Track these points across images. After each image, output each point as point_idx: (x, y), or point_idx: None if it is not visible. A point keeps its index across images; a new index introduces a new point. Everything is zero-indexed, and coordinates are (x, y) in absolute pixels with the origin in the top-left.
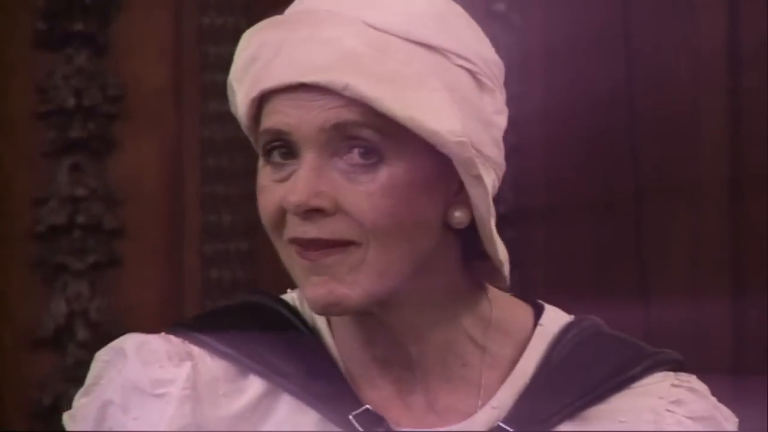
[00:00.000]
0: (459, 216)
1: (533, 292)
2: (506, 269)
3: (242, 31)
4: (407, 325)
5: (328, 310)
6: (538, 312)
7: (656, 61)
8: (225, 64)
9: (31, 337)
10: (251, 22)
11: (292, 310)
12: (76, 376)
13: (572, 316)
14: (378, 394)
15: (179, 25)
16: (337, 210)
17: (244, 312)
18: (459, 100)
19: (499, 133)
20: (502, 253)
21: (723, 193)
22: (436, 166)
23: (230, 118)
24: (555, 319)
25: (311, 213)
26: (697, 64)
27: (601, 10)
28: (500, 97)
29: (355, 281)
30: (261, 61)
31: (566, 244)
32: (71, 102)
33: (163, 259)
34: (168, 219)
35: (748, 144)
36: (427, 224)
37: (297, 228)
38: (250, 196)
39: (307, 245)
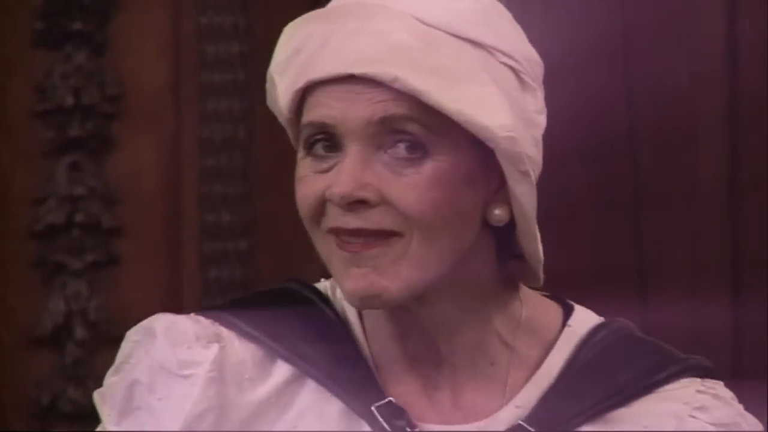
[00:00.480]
0: (499, 214)
1: None
2: (541, 269)
3: (240, 29)
4: (440, 323)
5: (366, 302)
6: (568, 312)
7: (655, 63)
8: (223, 63)
9: (30, 336)
10: (249, 20)
11: (324, 298)
12: (74, 375)
13: (602, 318)
14: (404, 389)
15: (177, 24)
16: (381, 201)
17: (276, 298)
18: (506, 97)
19: (539, 133)
20: (541, 251)
21: (721, 194)
22: (479, 162)
23: (228, 117)
24: (584, 320)
25: (355, 204)
26: (696, 65)
27: (599, 13)
28: (540, 96)
29: (397, 273)
30: (306, 52)
31: (564, 245)
32: (70, 101)
33: (162, 259)
34: (166, 218)
35: (746, 145)
36: (469, 219)
37: (339, 218)
38: (248, 196)
39: (349, 235)
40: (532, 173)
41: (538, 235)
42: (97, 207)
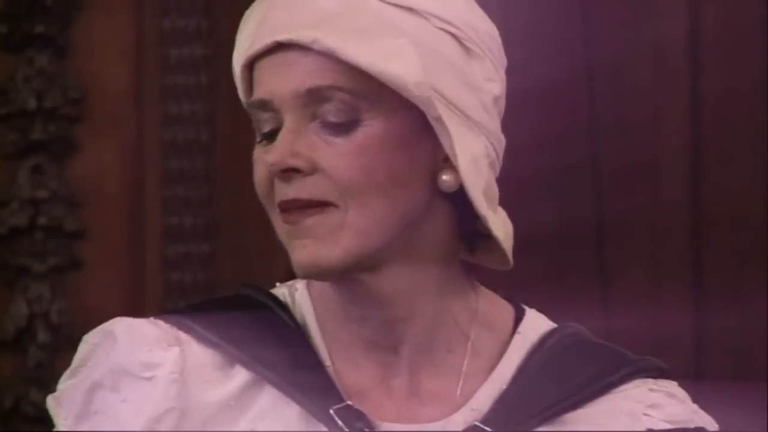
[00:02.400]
0: (447, 180)
1: None
2: (507, 244)
3: (203, 32)
4: (398, 296)
5: (310, 272)
6: (520, 316)
7: (616, 62)
8: (186, 65)
9: None
10: (212, 24)
11: (281, 303)
12: (36, 378)
13: (554, 324)
14: (361, 375)
15: (140, 27)
16: (314, 170)
17: (233, 304)
18: (430, 54)
19: (488, 99)
20: (496, 220)
21: (683, 199)
22: (416, 125)
23: (191, 120)
24: (536, 326)
25: (289, 174)
26: (658, 65)
27: (559, 10)
28: (490, 65)
29: (336, 242)
30: (245, 33)
31: (526, 251)
32: (32, 104)
33: (124, 261)
34: (129, 221)
35: (709, 147)
36: (409, 185)
37: (279, 191)
38: (210, 199)
39: (287, 207)
40: (458, 116)
41: (483, 200)
42: (60, 210)
